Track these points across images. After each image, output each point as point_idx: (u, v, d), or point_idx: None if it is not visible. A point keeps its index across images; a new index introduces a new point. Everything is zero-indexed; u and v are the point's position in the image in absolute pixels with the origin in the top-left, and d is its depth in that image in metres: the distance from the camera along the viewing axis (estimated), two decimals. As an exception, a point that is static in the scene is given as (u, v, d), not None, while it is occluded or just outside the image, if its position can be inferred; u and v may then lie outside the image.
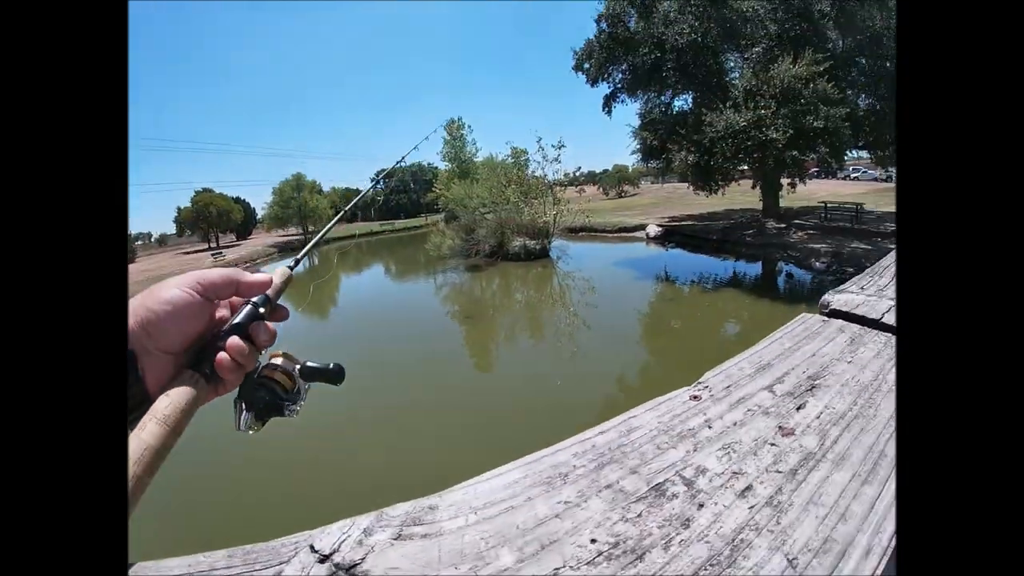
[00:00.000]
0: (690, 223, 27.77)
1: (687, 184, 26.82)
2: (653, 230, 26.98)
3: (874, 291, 1.06)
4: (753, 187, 26.37)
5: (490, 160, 28.64)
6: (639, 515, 0.43)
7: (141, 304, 0.58)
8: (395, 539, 0.43)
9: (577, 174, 27.18)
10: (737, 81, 20.72)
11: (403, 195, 68.51)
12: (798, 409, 0.60)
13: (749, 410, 0.59)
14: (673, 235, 25.96)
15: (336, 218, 1.17)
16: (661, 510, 0.44)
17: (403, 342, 13.34)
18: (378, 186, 72.48)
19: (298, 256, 0.85)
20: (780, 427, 0.55)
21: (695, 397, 0.63)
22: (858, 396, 0.61)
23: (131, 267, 40.50)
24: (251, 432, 0.69)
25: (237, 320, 0.66)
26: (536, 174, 24.45)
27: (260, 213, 61.79)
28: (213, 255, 38.79)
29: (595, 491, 0.46)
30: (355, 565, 0.41)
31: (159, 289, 0.60)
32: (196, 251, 50.03)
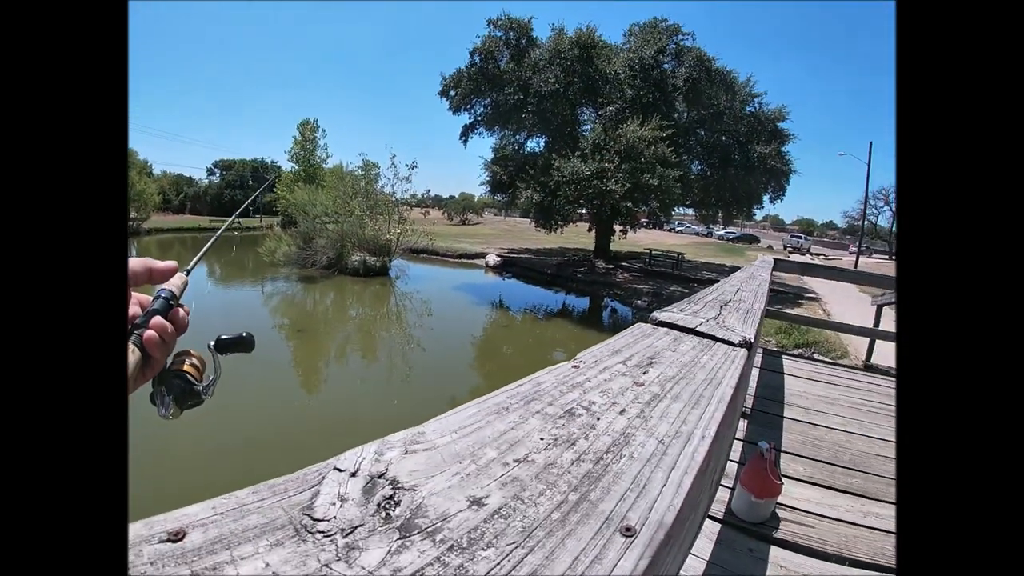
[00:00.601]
0: (527, 256, 29.10)
1: (529, 220, 28.14)
2: (492, 259, 27.89)
3: (690, 312, 1.35)
4: (589, 229, 28.33)
5: (339, 168, 27.90)
6: (563, 425, 0.59)
7: None
8: (404, 454, 0.50)
9: (425, 196, 27.14)
10: (588, 134, 22.40)
11: (239, 191, 64.09)
12: (643, 373, 0.80)
13: (612, 374, 0.79)
14: (511, 266, 27.03)
15: (232, 217, 1.26)
16: (575, 421, 0.60)
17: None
18: (212, 177, 67.19)
19: (194, 260, 0.95)
20: (635, 382, 0.75)
21: (575, 367, 0.82)
22: (681, 368, 0.85)
23: None
24: (171, 418, 0.78)
25: (155, 307, 0.73)
26: (385, 190, 24.23)
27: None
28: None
29: (530, 414, 0.61)
30: (383, 474, 0.46)
31: None
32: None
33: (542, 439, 0.57)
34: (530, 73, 23.20)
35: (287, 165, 47.92)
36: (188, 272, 0.90)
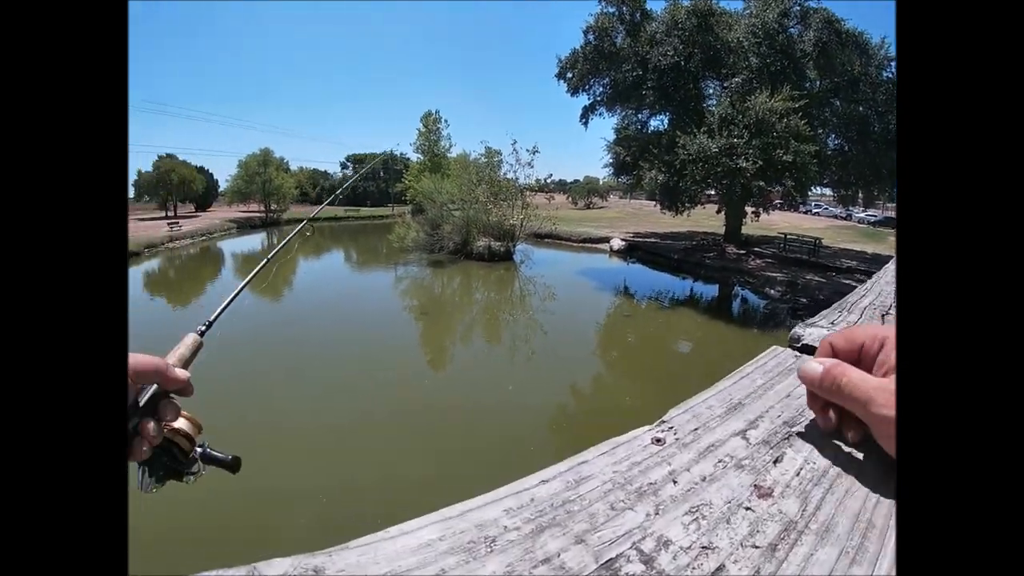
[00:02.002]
0: (653, 240, 28.12)
1: (654, 202, 27.19)
2: (617, 243, 27.20)
3: (843, 327, 1.01)
4: (718, 211, 26.85)
5: (463, 157, 28.41)
6: None
7: None
8: None
9: (548, 181, 26.93)
10: (714, 108, 21.12)
11: (371, 182, 67.63)
12: (775, 463, 0.53)
13: (720, 461, 0.51)
14: (636, 250, 26.22)
15: (255, 271, 1.20)
16: None
17: (356, 332, 13.12)
18: (345, 170, 71.70)
19: (210, 319, 0.89)
20: (756, 485, 0.47)
21: (658, 440, 0.55)
22: (838, 449, 0.55)
23: None
24: (153, 491, 0.72)
25: (147, 400, 0.66)
26: (508, 176, 24.33)
27: (223, 186, 60.01)
28: (169, 225, 37.37)
29: (528, 566, 0.36)
30: None
31: None
32: (152, 219, 47.86)
33: None
34: (647, 48, 21.95)
35: (414, 156, 49.60)
36: (202, 334, 0.85)
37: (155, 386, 0.68)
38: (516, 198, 23.65)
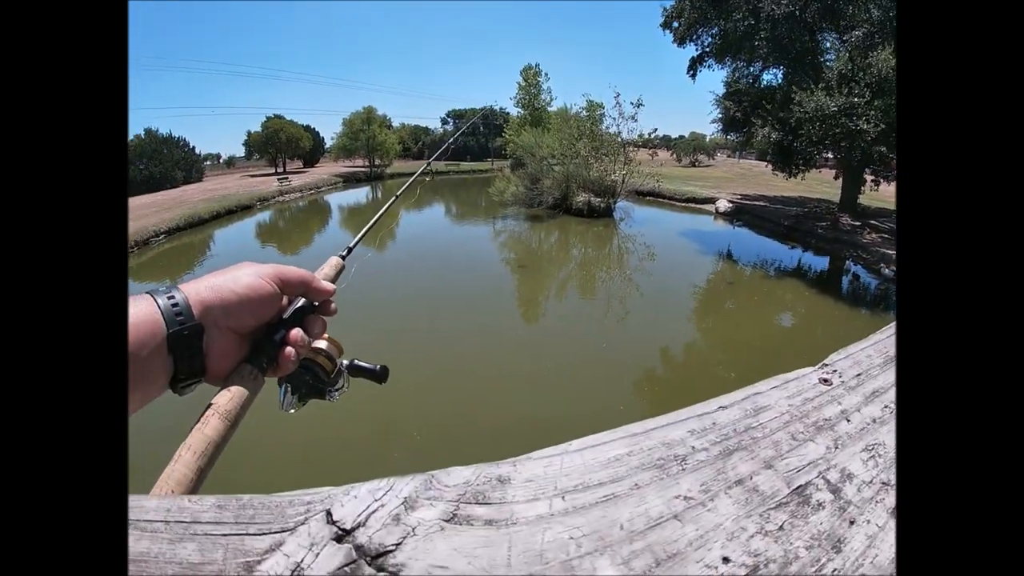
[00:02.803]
0: (762, 204, 26.72)
1: (765, 163, 25.76)
2: (723, 205, 26.07)
3: None
4: (836, 177, 25.09)
5: (563, 111, 27.98)
6: (781, 527, 0.34)
7: (224, 285, 0.62)
8: (447, 520, 0.32)
9: (652, 136, 26.00)
10: (832, 63, 19.52)
11: (471, 137, 68.13)
12: None
13: (886, 406, 0.50)
14: (743, 213, 25.05)
15: (384, 207, 1.23)
16: (807, 523, 0.34)
17: (453, 283, 13.45)
18: (446, 126, 72.54)
19: (351, 244, 0.91)
20: None
21: (824, 381, 0.54)
22: None
23: (196, 186, 41.80)
24: (292, 411, 0.75)
25: (295, 312, 0.69)
26: (610, 131, 23.74)
27: (328, 143, 62.37)
28: (279, 180, 39.35)
29: (723, 487, 0.36)
30: (386, 553, 0.29)
31: (241, 274, 0.64)
32: (263, 175, 50.66)
33: (727, 562, 0.30)
34: None
35: (514, 111, 49.33)
36: (345, 257, 0.88)
37: (302, 300, 0.70)
38: (618, 153, 23.10)
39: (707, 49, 24.27)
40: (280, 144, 54.76)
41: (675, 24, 23.63)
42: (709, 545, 0.32)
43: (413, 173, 1.61)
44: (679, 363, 9.14)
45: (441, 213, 29.52)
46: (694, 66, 25.10)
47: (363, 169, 54.99)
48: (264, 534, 0.31)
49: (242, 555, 0.30)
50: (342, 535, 0.31)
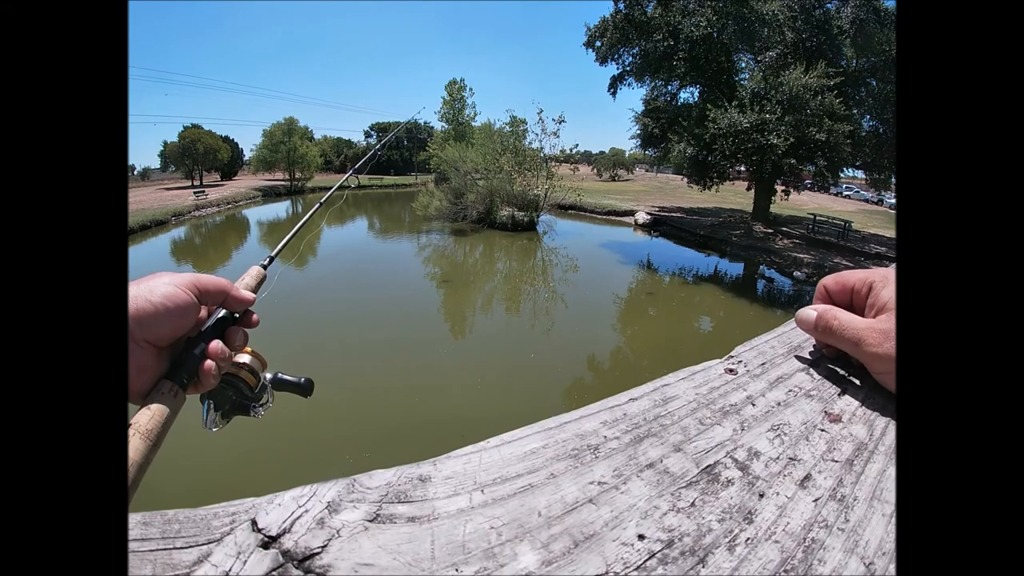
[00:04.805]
0: (679, 215, 27.79)
1: (681, 176, 26.80)
2: (642, 217, 26.92)
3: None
4: (748, 188, 26.41)
5: (488, 126, 28.19)
6: (692, 504, 0.36)
7: (139, 295, 0.58)
8: (371, 520, 0.33)
9: (573, 151, 26.55)
10: (746, 82, 20.65)
11: (395, 151, 67.64)
12: (840, 395, 0.54)
13: (791, 390, 0.53)
14: (661, 224, 25.94)
15: (307, 215, 1.18)
16: (717, 499, 0.36)
17: (378, 300, 13.26)
18: (369, 139, 71.66)
19: (272, 254, 0.89)
20: (826, 412, 0.49)
21: (730, 371, 0.56)
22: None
23: None
24: (215, 430, 0.71)
25: (215, 323, 0.66)
26: (533, 146, 24.11)
27: (248, 155, 60.42)
28: (196, 193, 37.60)
29: (635, 470, 0.38)
30: (312, 555, 0.30)
31: (157, 284, 0.61)
32: (178, 187, 48.30)
33: (642, 539, 0.32)
34: (679, 17, 21.29)
35: (438, 125, 49.37)
36: (266, 266, 0.84)
37: (222, 311, 0.68)
38: (541, 168, 23.48)
39: (627, 68, 25.12)
40: (197, 156, 52.51)
41: (598, 43, 24.33)
42: (624, 524, 0.33)
43: (335, 187, 1.58)
44: (605, 368, 9.34)
45: (364, 228, 29.07)
46: (615, 84, 25.90)
47: (283, 183, 53.45)
48: (191, 547, 0.31)
49: (171, 569, 0.30)
50: (268, 542, 0.31)
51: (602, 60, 24.83)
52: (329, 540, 0.31)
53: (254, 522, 0.32)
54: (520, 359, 9.25)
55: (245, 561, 0.30)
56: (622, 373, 9.07)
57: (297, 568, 0.29)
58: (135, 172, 73.61)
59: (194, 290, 0.63)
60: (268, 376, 0.76)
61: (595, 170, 61.84)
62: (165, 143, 54.42)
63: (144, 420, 0.55)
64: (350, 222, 30.18)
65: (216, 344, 0.64)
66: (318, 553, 0.30)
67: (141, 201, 35.23)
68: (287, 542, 0.31)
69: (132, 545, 0.30)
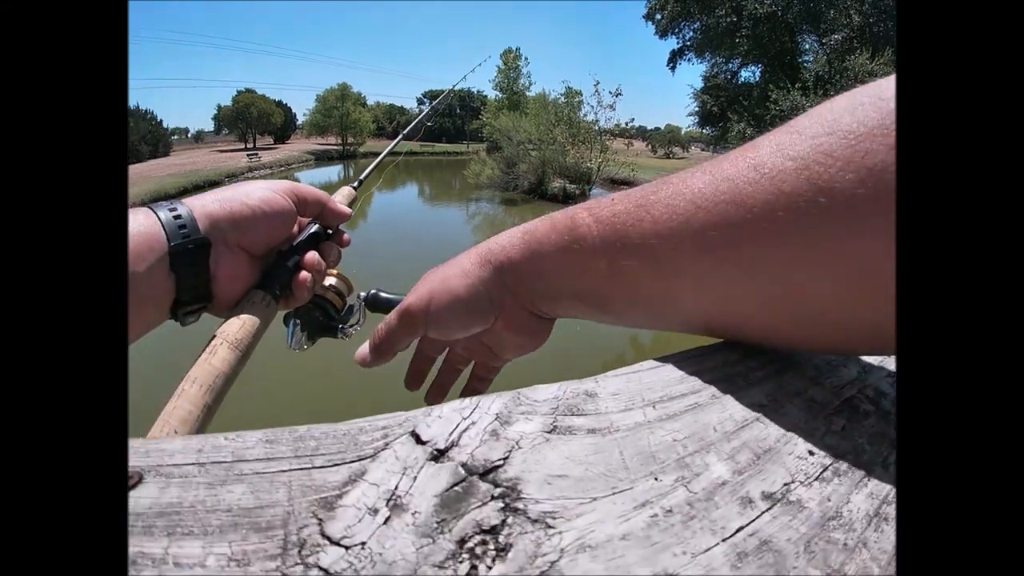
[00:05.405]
0: (733, 196, 27.05)
1: (739, 157, 26.01)
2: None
3: None
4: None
5: (542, 96, 27.89)
6: (843, 428, 0.35)
7: (235, 198, 0.57)
8: (549, 432, 0.30)
9: (629, 126, 26.13)
10: (809, 64, 19.93)
11: (447, 119, 67.81)
12: None
13: None
14: (714, 206, 25.30)
15: (398, 138, 1.24)
16: (862, 426, 0.36)
17: (429, 261, 13.37)
18: (422, 106, 71.81)
19: (361, 176, 0.88)
20: None
21: None
22: None
23: (163, 160, 40.35)
24: (303, 349, 0.70)
25: (308, 237, 0.64)
26: (587, 118, 23.75)
27: (301, 119, 61.29)
28: (248, 156, 38.30)
29: (787, 397, 0.37)
30: (494, 468, 0.27)
31: (254, 188, 0.59)
32: (232, 150, 49.18)
33: (812, 454, 0.32)
34: None
35: (492, 94, 49.12)
36: (357, 188, 0.83)
37: (315, 226, 0.65)
38: (594, 141, 23.16)
39: (688, 43, 24.54)
40: (251, 119, 53.59)
41: (658, 16, 23.83)
42: (794, 441, 0.33)
43: (391, 153, 1.59)
44: (647, 347, 9.28)
45: (414, 194, 29.26)
46: (674, 59, 25.40)
47: (335, 147, 53.97)
48: (336, 465, 0.26)
49: (313, 492, 0.24)
50: (438, 454, 0.27)
51: (662, 33, 24.33)
52: (509, 452, 0.28)
53: (416, 435, 0.28)
54: (568, 328, 9.23)
55: (415, 477, 0.25)
56: (678, 340, 8.98)
57: (483, 481, 0.26)
58: (189, 135, 75.48)
59: (292, 196, 0.61)
60: (363, 295, 0.74)
61: (650, 146, 60.66)
62: (219, 107, 55.66)
63: (233, 329, 0.53)
64: (401, 187, 30.37)
65: (312, 255, 0.62)
66: (500, 466, 0.27)
67: (196, 162, 36.09)
68: (459, 456, 0.27)
69: (256, 466, 0.26)
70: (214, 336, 0.53)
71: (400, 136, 1.19)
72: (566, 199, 21.93)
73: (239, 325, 0.54)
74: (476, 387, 0.65)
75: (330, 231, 0.67)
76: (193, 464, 0.26)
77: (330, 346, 0.76)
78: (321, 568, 0.21)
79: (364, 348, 0.60)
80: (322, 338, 0.72)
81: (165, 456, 0.26)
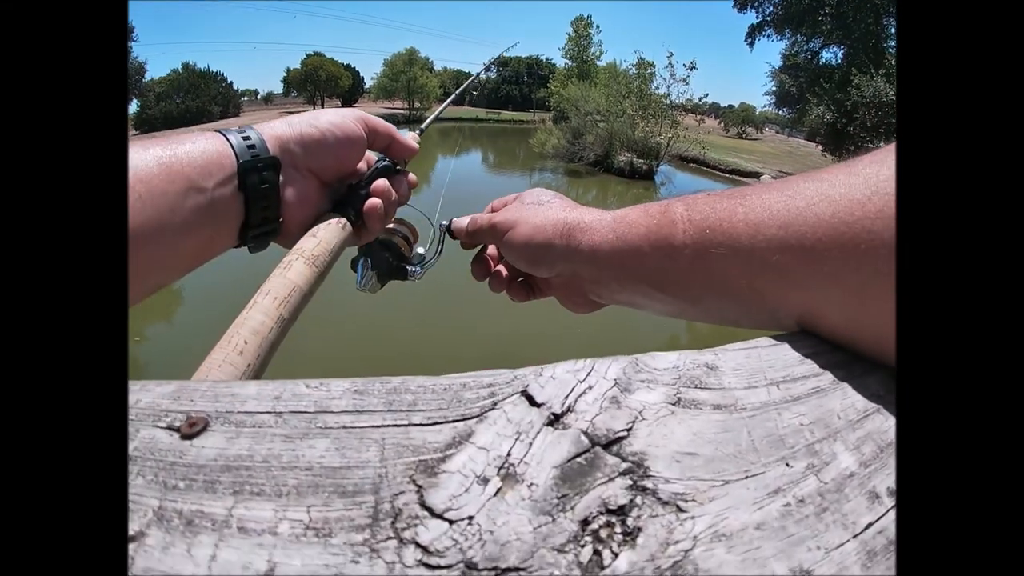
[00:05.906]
0: (806, 182, 26.09)
1: (815, 143, 25.10)
2: (767, 180, 25.40)
3: None
4: (887, 165, 24.44)
5: (613, 66, 27.26)
6: None
7: (303, 121, 0.57)
8: (674, 404, 0.27)
9: (702, 102, 25.36)
10: (895, 50, 18.80)
11: (514, 86, 67.28)
12: None
13: None
14: (786, 190, 24.48)
15: (451, 98, 1.27)
16: None
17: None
18: (489, 73, 71.81)
19: (422, 127, 0.88)
20: None
21: None
22: None
23: (233, 121, 41.61)
24: (371, 292, 0.70)
25: (377, 170, 0.64)
26: (659, 91, 23.08)
27: (368, 83, 61.99)
28: (315, 118, 39.60)
29: None
30: (618, 439, 0.23)
31: (322, 112, 0.59)
32: (301, 111, 50.79)
33: None
34: None
35: (560, 62, 48.41)
36: (420, 134, 0.80)
37: (384, 162, 0.65)
38: (665, 116, 22.55)
39: (768, 18, 23.54)
40: (319, 82, 54.42)
41: (738, -12, 22.85)
42: None
43: (453, 118, 1.59)
44: (703, 333, 9.12)
45: (478, 161, 29.28)
46: (753, 34, 24.47)
47: (402, 111, 54.43)
48: (437, 423, 0.23)
49: (411, 453, 0.21)
50: (555, 418, 0.24)
51: (741, 6, 23.38)
52: (632, 423, 0.25)
53: (528, 396, 0.25)
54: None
55: (530, 443, 0.22)
56: (720, 337, 8.81)
57: (608, 453, 0.22)
58: (258, 97, 77.17)
59: (362, 124, 0.61)
60: (444, 223, 0.73)
61: (722, 124, 58.66)
62: (288, 69, 56.77)
63: (310, 246, 0.52)
64: (464, 154, 30.45)
65: (382, 182, 0.61)
66: (624, 437, 0.24)
67: (264, 120, 37.05)
68: (576, 422, 0.24)
69: (343, 419, 0.23)
70: (289, 253, 0.52)
71: (448, 100, 1.24)
72: (632, 174, 21.54)
73: (315, 242, 0.53)
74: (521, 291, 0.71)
75: (398, 166, 0.67)
76: (269, 412, 0.23)
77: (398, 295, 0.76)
78: (419, 545, 0.18)
79: (463, 220, 0.68)
80: (393, 279, 0.72)
81: (236, 402, 0.23)
